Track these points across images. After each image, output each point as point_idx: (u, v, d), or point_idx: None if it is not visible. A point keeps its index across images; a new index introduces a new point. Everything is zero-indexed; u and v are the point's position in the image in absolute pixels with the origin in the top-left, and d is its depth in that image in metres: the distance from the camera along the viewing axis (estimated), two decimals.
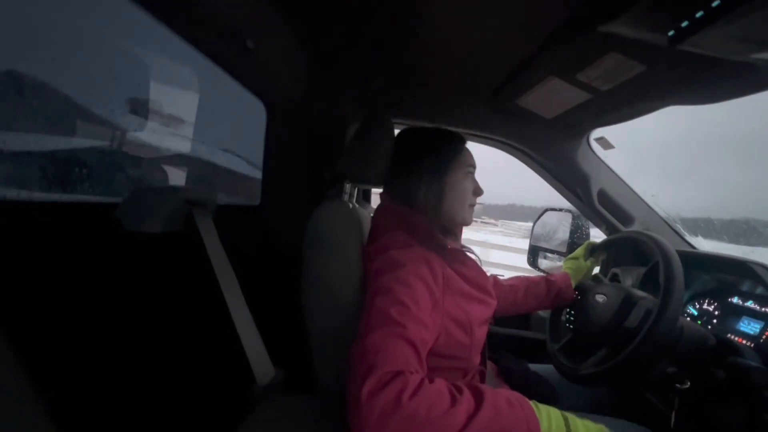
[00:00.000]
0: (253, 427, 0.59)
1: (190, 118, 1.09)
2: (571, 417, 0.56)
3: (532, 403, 0.55)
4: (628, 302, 0.85)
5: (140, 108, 0.91)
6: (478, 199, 0.85)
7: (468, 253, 0.83)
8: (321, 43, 0.91)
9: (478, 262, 0.83)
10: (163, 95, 0.97)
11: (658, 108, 0.91)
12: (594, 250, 1.10)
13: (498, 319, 1.13)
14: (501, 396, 0.52)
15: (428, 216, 0.77)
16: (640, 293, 0.86)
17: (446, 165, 0.79)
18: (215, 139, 1.30)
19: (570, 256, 1.13)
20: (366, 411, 0.46)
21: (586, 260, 1.09)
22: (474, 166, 0.83)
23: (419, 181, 0.78)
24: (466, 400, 0.50)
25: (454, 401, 0.49)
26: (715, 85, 0.75)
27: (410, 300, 0.59)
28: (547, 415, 0.54)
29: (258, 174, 1.27)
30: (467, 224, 0.84)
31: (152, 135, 0.94)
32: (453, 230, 0.83)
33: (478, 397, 0.50)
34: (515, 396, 0.54)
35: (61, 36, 0.69)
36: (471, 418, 0.47)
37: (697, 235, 1.24)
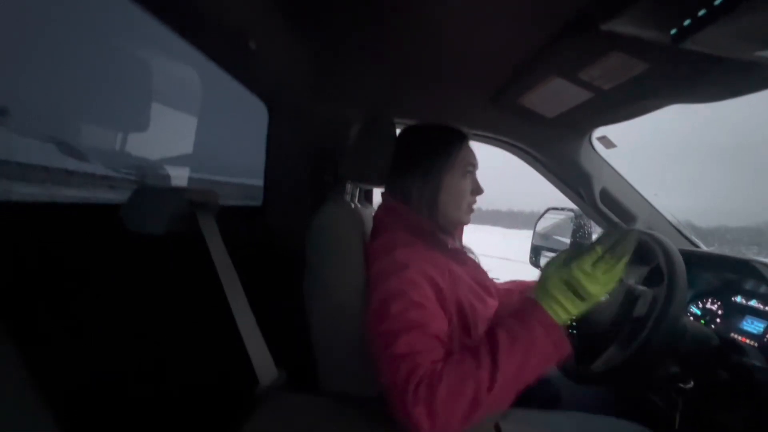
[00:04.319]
0: (256, 427, 0.59)
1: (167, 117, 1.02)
2: (543, 292, 0.58)
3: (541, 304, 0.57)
4: (631, 295, 0.84)
5: None
6: None
7: (468, 254, 0.82)
8: (323, 43, 0.91)
9: (478, 262, 0.83)
10: (164, 97, 0.97)
11: (661, 107, 0.91)
12: None
13: None
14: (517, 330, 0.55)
15: (425, 214, 0.76)
16: (641, 287, 0.86)
17: (443, 163, 0.77)
18: (216, 140, 1.29)
19: None
20: (416, 416, 0.48)
21: None
22: (474, 165, 0.80)
23: (416, 179, 0.77)
24: (484, 348, 0.53)
25: (476, 359, 0.52)
26: (718, 84, 0.75)
27: (424, 298, 0.60)
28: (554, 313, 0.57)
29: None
30: (464, 224, 0.83)
31: None
32: (451, 230, 0.82)
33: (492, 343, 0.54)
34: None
35: (60, 36, 0.69)
36: (495, 360, 0.51)
37: None
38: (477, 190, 0.81)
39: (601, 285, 0.58)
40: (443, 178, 0.77)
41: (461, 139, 0.80)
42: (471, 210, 0.82)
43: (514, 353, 0.52)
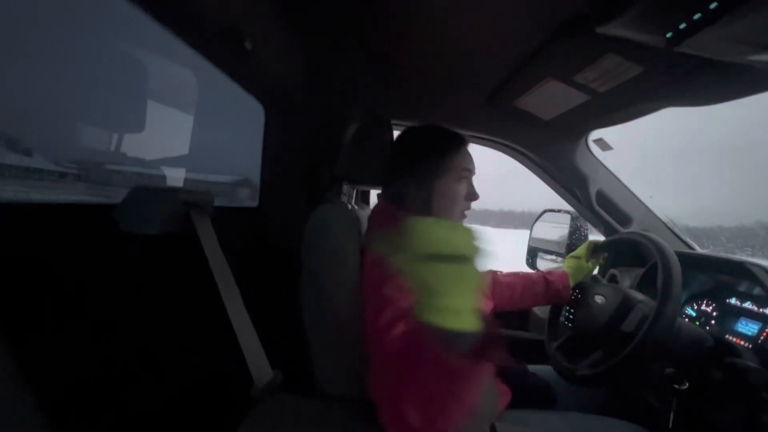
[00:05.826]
0: (251, 428, 0.59)
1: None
2: None
3: None
4: (625, 305, 0.84)
5: None
6: None
7: None
8: (320, 43, 0.91)
9: None
10: (160, 98, 0.97)
11: (656, 109, 0.92)
12: (596, 249, 1.07)
13: (496, 320, 1.13)
14: None
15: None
16: (638, 296, 0.86)
17: (437, 167, 0.76)
18: (212, 141, 1.29)
19: (571, 254, 1.10)
20: (408, 416, 0.46)
21: (588, 260, 1.07)
22: (470, 170, 0.79)
23: (410, 183, 0.77)
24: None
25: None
26: (713, 87, 0.76)
27: None
28: None
29: None
30: None
31: None
32: None
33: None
34: None
35: (54, 38, 0.69)
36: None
37: None
38: (471, 195, 0.80)
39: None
40: (437, 182, 0.76)
41: (459, 144, 0.79)
42: (464, 216, 0.81)
43: None
